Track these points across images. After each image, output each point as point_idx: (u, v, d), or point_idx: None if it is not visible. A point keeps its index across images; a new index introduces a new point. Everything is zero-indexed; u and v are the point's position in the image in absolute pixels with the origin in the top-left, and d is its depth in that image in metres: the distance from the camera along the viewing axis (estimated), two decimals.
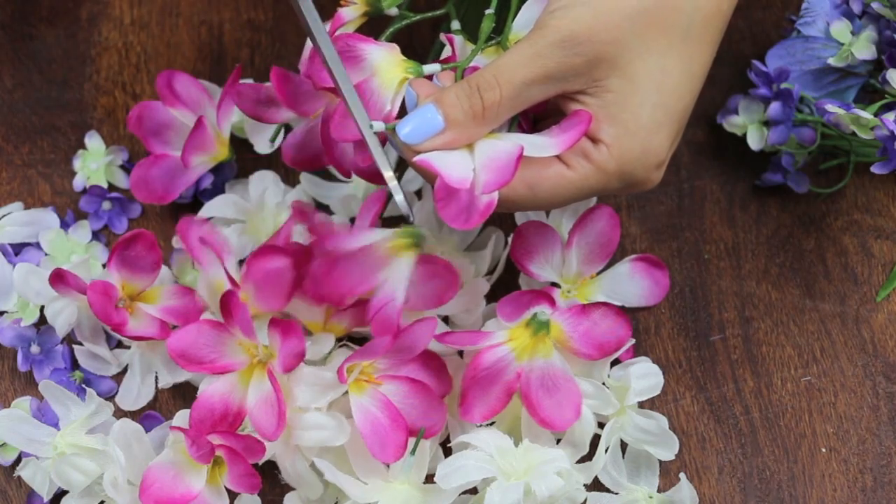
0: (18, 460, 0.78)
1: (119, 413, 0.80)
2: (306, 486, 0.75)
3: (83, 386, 0.79)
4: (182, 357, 0.75)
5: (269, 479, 0.76)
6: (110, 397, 0.80)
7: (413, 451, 0.74)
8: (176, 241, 0.84)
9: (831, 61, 0.83)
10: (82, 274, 0.79)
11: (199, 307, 0.79)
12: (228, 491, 0.75)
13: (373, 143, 0.71)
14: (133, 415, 0.80)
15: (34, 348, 0.80)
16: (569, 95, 0.70)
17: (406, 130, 0.69)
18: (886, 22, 0.82)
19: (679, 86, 0.70)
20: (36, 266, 0.81)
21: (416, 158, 0.69)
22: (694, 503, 0.76)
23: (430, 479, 0.74)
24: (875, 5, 0.82)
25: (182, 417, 0.76)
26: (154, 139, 0.83)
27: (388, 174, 0.71)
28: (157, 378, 0.80)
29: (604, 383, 0.77)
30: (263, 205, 0.83)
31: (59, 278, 0.77)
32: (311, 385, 0.74)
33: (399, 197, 0.71)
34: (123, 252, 0.78)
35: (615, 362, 0.79)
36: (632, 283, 0.82)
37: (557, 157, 0.70)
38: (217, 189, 0.85)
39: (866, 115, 0.78)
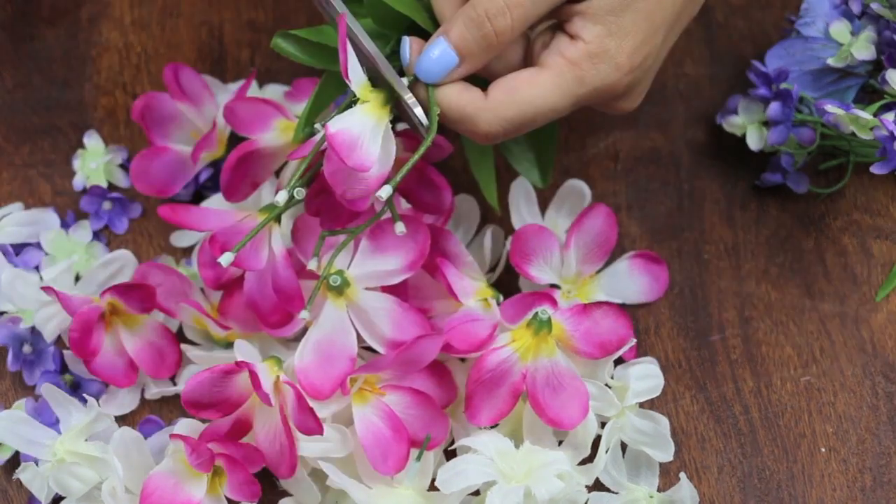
0: (16, 458, 0.78)
1: (120, 420, 0.80)
2: (304, 492, 0.75)
3: (71, 389, 0.80)
4: (195, 406, 0.73)
5: (268, 482, 0.76)
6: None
7: (418, 459, 0.74)
8: (175, 240, 0.84)
9: (830, 62, 0.83)
10: (65, 280, 0.79)
11: (174, 355, 0.79)
12: (228, 500, 0.75)
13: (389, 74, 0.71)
14: (134, 420, 0.80)
15: (26, 348, 0.80)
16: None
17: (422, 71, 0.70)
18: (886, 22, 0.82)
19: None
20: (24, 271, 0.81)
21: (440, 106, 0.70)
22: (694, 503, 0.77)
23: (433, 484, 0.74)
24: (874, 6, 0.82)
25: (182, 426, 0.76)
26: (157, 131, 0.84)
27: (407, 95, 0.70)
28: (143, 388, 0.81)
29: (607, 384, 0.77)
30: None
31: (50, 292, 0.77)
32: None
33: (419, 110, 0.71)
34: (120, 294, 0.78)
35: (619, 361, 0.79)
36: (631, 280, 0.82)
37: (538, 65, 0.71)
38: (217, 185, 0.85)
39: (865, 115, 0.78)
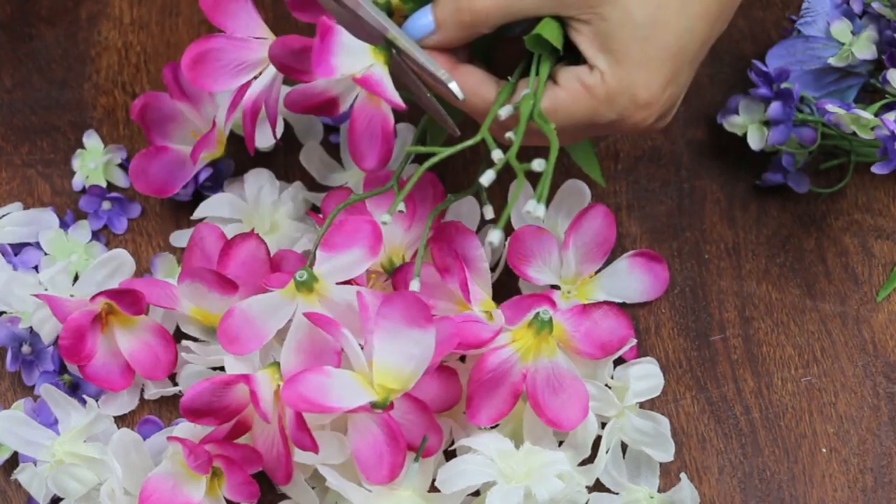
0: (14, 459, 0.78)
1: (119, 420, 0.80)
2: (303, 495, 0.75)
3: (70, 389, 0.79)
4: (194, 414, 0.73)
5: (268, 483, 0.76)
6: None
7: (416, 460, 0.74)
8: (174, 240, 0.84)
9: (832, 61, 0.83)
10: (63, 280, 0.79)
11: (169, 355, 0.79)
12: (227, 501, 0.75)
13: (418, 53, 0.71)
14: (133, 420, 0.80)
15: (25, 348, 0.80)
16: (565, 19, 0.70)
17: (404, 27, 0.71)
18: (887, 21, 0.82)
19: (676, 23, 0.69)
20: (21, 273, 0.81)
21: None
22: (695, 503, 0.76)
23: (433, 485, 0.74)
24: (875, 5, 0.82)
25: (182, 428, 0.76)
26: (156, 130, 0.83)
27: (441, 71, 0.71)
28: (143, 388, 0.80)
29: (607, 385, 0.77)
30: (259, 203, 0.83)
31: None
32: None
33: (454, 85, 0.71)
34: (110, 298, 0.78)
35: (620, 361, 0.79)
36: (631, 279, 0.82)
37: (553, 80, 0.70)
38: (217, 185, 0.85)
39: (867, 114, 0.78)
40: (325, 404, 0.70)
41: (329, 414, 0.73)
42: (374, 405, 0.71)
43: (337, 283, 0.75)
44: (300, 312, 0.74)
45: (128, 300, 0.77)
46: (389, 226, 0.77)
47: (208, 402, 0.73)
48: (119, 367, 0.79)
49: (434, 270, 0.77)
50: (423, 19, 0.71)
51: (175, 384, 0.80)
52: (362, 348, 0.72)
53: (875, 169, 0.79)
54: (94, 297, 0.77)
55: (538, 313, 0.74)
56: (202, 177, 0.84)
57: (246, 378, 0.72)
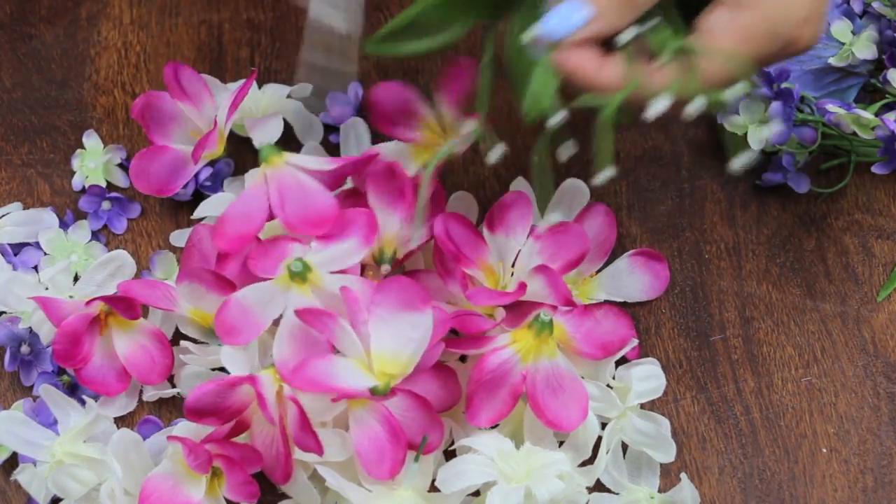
0: (14, 459, 0.78)
1: (119, 420, 0.80)
2: (303, 495, 0.75)
3: (69, 390, 0.79)
4: (197, 415, 0.73)
5: (268, 483, 0.76)
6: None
7: (416, 459, 0.74)
8: (174, 239, 0.84)
9: (832, 61, 0.83)
10: (63, 280, 0.79)
11: (165, 359, 0.79)
12: (227, 501, 0.75)
13: None
14: (132, 420, 0.80)
15: (24, 348, 0.80)
16: None
17: (550, 24, 0.65)
18: (887, 21, 0.82)
19: None
20: (20, 273, 0.81)
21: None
22: (695, 503, 0.76)
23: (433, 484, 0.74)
24: (876, 5, 0.82)
25: (181, 428, 0.76)
26: (157, 130, 0.83)
27: None
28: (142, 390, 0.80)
29: (608, 385, 0.77)
30: None
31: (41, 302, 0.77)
32: (316, 399, 0.74)
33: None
34: (107, 303, 0.78)
35: (623, 361, 0.79)
36: (632, 278, 0.82)
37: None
38: (217, 185, 0.85)
39: (867, 114, 0.78)
40: (333, 385, 0.70)
41: (331, 410, 0.74)
42: (374, 391, 0.71)
43: (330, 273, 0.75)
44: (293, 303, 0.74)
45: (123, 305, 0.77)
46: (386, 216, 0.78)
47: (212, 403, 0.73)
48: (115, 371, 0.78)
49: (434, 274, 0.77)
50: (577, 10, 0.64)
51: (173, 386, 0.80)
52: None
53: (875, 169, 0.79)
54: (88, 303, 0.77)
55: (538, 315, 0.74)
56: (202, 176, 0.84)
57: (251, 379, 0.72)
